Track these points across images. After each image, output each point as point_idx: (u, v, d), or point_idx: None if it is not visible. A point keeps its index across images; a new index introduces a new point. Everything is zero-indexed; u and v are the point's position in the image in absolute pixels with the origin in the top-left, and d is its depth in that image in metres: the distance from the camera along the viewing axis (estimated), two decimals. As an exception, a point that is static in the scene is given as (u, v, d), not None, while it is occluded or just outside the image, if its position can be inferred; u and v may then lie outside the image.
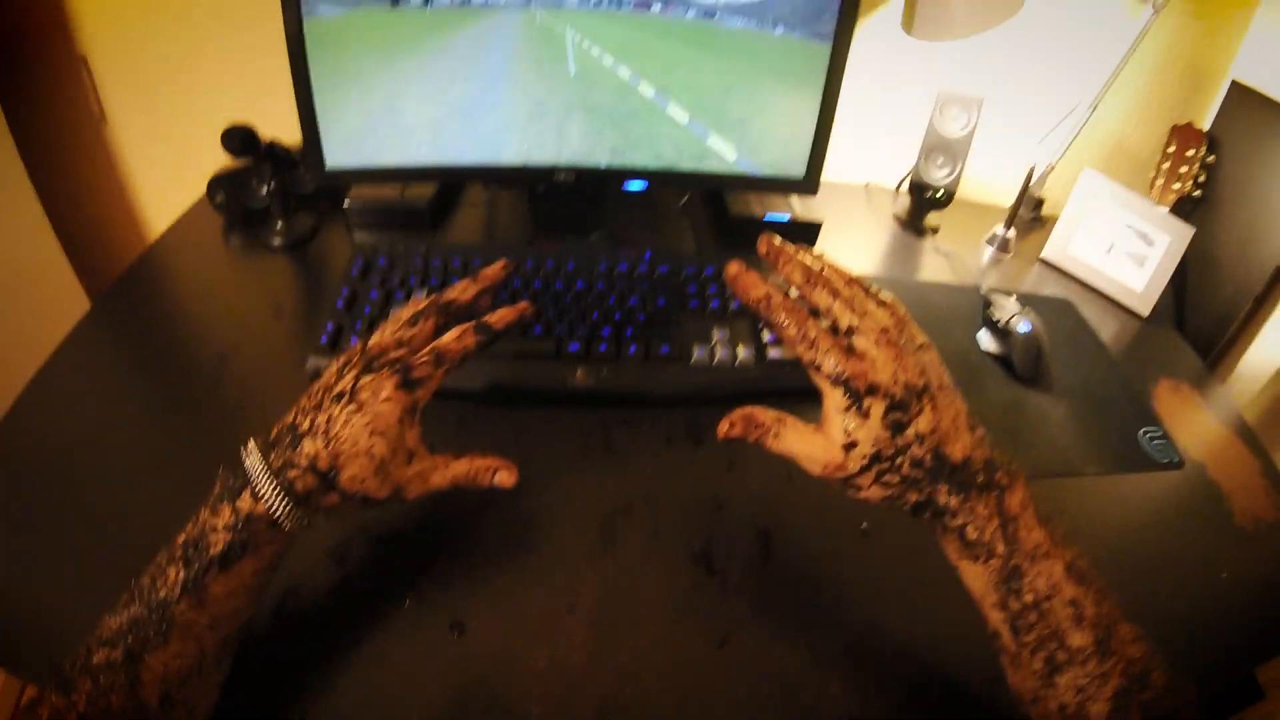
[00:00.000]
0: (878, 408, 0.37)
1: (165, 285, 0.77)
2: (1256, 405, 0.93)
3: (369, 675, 0.42)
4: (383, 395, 0.39)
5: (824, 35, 0.69)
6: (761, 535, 0.52)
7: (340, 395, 0.39)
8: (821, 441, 0.38)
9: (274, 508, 0.37)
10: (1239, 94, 0.95)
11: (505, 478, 0.44)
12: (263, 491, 0.37)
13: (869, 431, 0.37)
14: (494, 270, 0.49)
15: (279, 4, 0.63)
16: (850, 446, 0.37)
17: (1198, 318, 0.95)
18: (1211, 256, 0.93)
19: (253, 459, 0.37)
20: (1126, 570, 0.53)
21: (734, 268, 0.41)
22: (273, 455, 0.38)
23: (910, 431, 0.36)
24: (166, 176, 1.10)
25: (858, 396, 0.37)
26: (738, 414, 0.40)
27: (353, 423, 0.38)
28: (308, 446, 0.38)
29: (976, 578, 0.38)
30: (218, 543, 0.36)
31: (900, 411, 0.36)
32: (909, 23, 0.81)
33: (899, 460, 0.37)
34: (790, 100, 0.72)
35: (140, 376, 0.65)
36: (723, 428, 0.40)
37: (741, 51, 0.70)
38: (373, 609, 0.45)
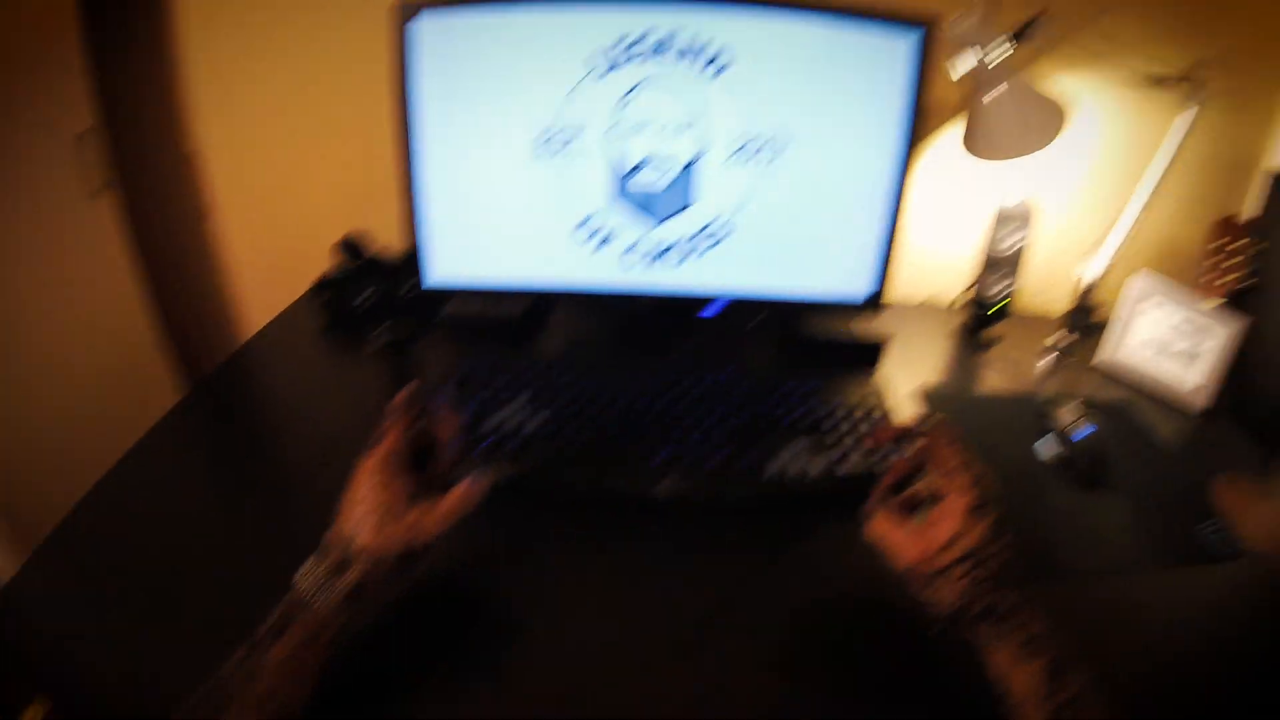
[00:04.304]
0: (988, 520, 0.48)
1: (263, 378, 0.83)
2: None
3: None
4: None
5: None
6: (840, 641, 0.55)
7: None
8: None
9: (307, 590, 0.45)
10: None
11: (474, 487, 0.51)
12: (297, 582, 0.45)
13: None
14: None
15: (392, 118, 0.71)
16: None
17: (1258, 407, 0.94)
18: (1272, 343, 0.93)
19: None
20: (1195, 659, 0.56)
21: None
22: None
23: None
24: (269, 272, 1.19)
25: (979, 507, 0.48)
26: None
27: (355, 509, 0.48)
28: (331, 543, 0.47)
29: (1027, 679, 0.43)
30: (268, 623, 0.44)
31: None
32: (969, 142, 0.86)
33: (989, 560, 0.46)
34: (856, 224, 0.78)
35: (230, 467, 0.70)
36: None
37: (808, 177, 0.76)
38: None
